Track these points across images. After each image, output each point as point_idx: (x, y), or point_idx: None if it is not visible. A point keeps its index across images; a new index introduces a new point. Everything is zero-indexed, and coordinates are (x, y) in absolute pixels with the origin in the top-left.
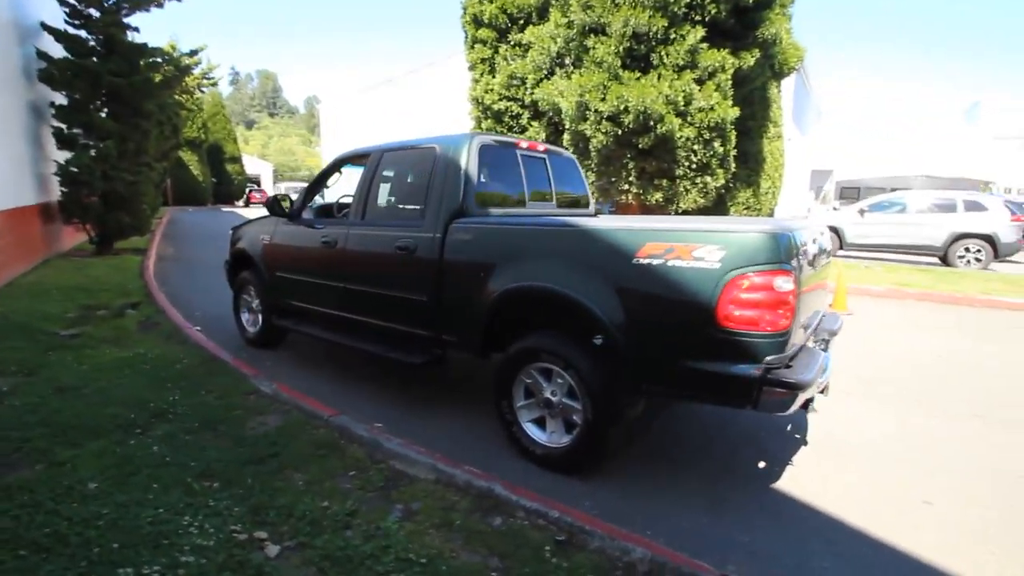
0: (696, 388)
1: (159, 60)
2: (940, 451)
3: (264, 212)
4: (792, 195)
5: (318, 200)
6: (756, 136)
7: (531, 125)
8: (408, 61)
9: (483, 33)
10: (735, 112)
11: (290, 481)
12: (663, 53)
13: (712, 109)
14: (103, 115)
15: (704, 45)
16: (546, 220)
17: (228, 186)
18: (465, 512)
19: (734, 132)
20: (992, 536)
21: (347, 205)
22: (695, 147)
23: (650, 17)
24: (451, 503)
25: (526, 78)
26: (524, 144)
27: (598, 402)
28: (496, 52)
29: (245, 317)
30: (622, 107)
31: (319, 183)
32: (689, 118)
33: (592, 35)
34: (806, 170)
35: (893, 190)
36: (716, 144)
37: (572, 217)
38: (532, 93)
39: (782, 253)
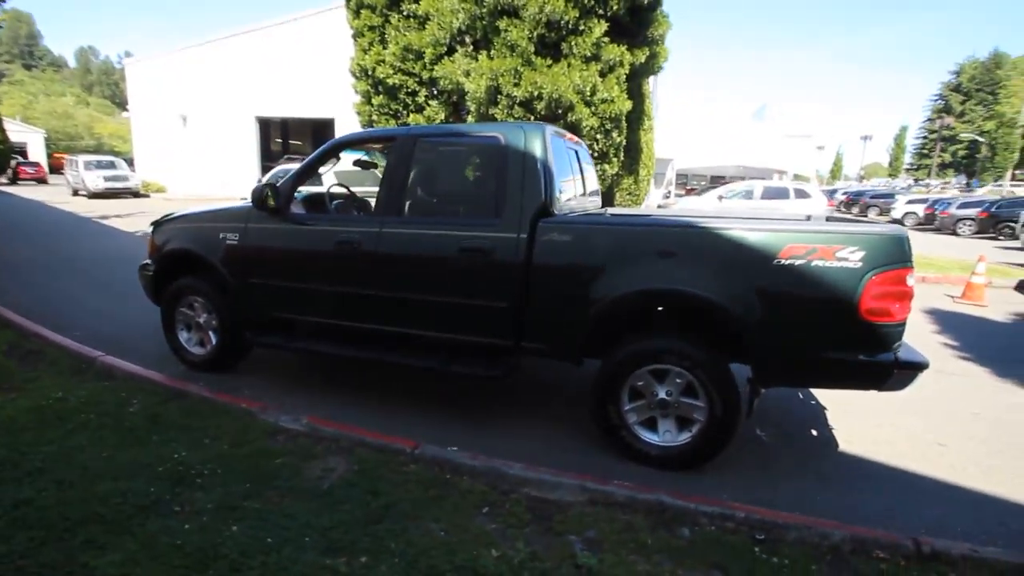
0: (834, 376)
1: None
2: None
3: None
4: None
5: (300, 191)
6: (636, 128)
7: (428, 104)
8: (220, 16)
9: None
10: (630, 105)
11: (430, 533)
12: (573, 43)
13: (613, 101)
14: None
15: (606, 39)
16: (668, 221)
17: None
18: (648, 530)
19: (626, 123)
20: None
21: (339, 197)
22: (598, 136)
23: (564, 5)
24: (626, 523)
25: (423, 52)
26: (567, 134)
27: (728, 398)
28: (387, 21)
29: (184, 336)
30: (536, 93)
31: (310, 171)
32: (593, 108)
33: (504, 17)
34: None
35: (716, 177)
36: (614, 134)
37: (676, 216)
38: (432, 69)
39: (907, 252)
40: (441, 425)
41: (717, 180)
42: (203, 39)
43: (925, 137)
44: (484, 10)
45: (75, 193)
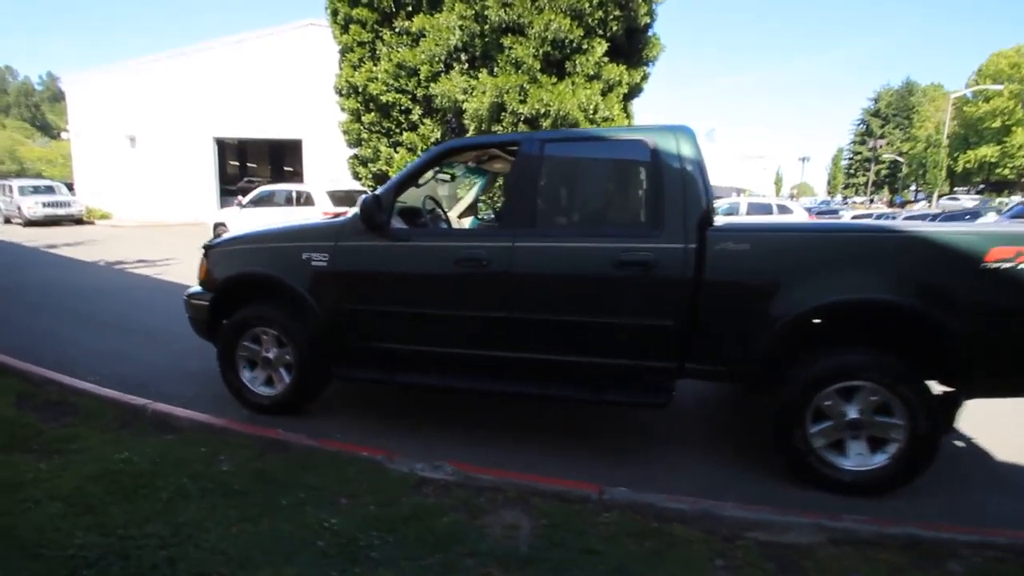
0: None
1: None
2: None
3: None
4: None
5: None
6: None
7: (424, 122)
8: (150, 38)
9: (361, 13)
10: (628, 123)
11: None
12: (577, 61)
13: (613, 119)
14: None
15: (605, 59)
16: (859, 227)
17: None
18: (914, 568)
19: None
20: None
21: (431, 210)
22: None
23: (570, 24)
24: (889, 564)
25: (418, 69)
26: None
27: (932, 415)
28: (378, 37)
29: (248, 375)
30: (542, 111)
31: (410, 181)
32: (595, 126)
33: (509, 34)
34: None
35: None
36: None
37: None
38: (427, 87)
39: None
40: (571, 460)
41: None
42: (151, 56)
43: (851, 158)
44: (487, 27)
45: (7, 221)
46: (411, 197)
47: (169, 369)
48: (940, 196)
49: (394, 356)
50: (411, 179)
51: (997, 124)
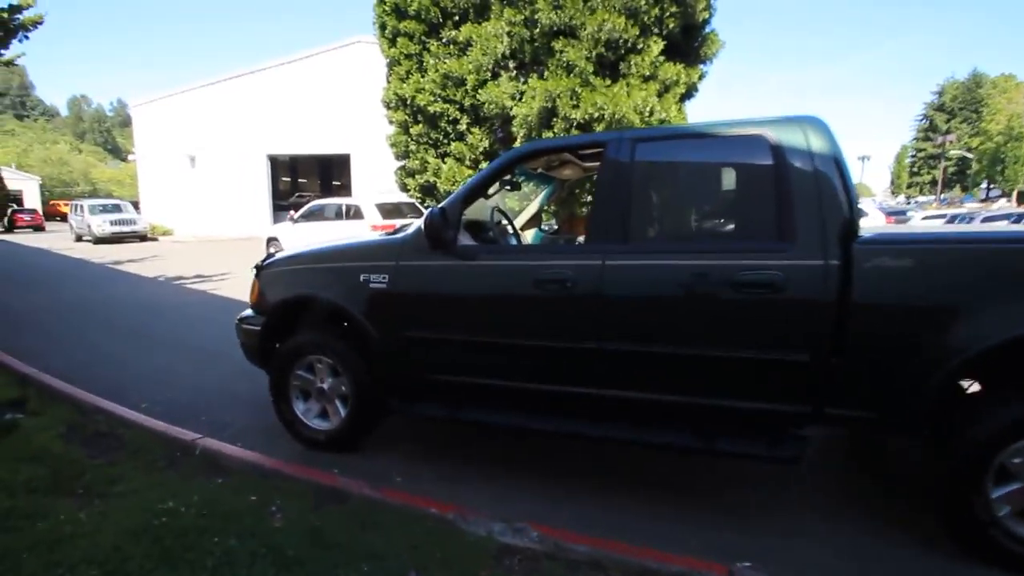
0: None
1: None
2: None
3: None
4: None
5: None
6: None
7: (471, 132)
8: (206, 66)
9: (409, 26)
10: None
11: None
12: (632, 62)
13: (671, 121)
14: None
15: (661, 58)
16: None
17: None
18: None
19: None
20: None
21: (498, 223)
22: None
23: (625, 23)
24: None
25: (465, 79)
26: None
27: None
28: (425, 49)
29: (301, 407)
30: (596, 115)
31: (480, 191)
32: None
33: (561, 37)
34: None
35: None
36: None
37: None
38: (475, 96)
39: None
40: (671, 518)
41: None
42: (208, 80)
43: (914, 156)
44: (537, 31)
45: (79, 239)
46: (474, 210)
47: (219, 393)
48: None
49: (460, 390)
50: (482, 188)
51: None
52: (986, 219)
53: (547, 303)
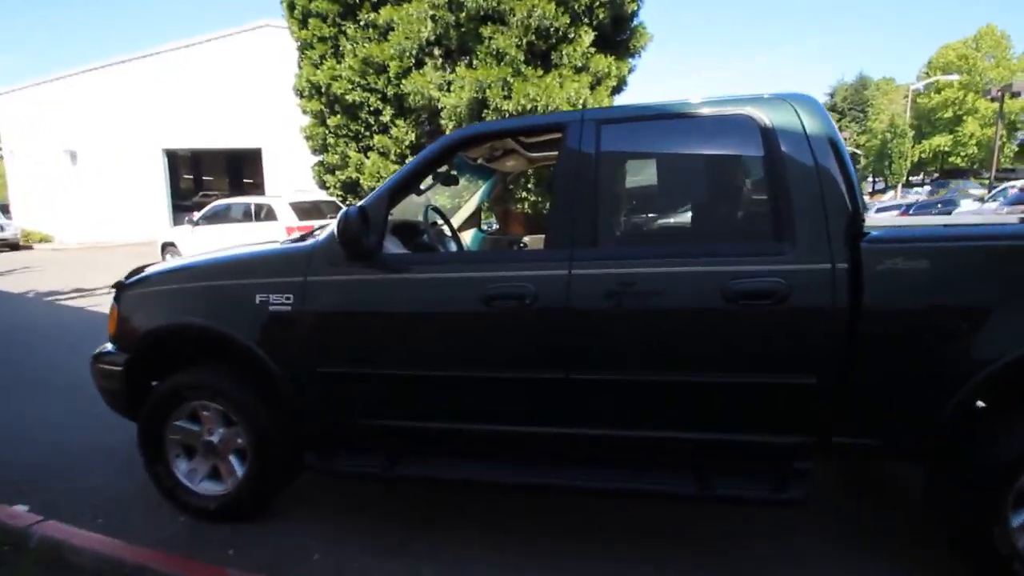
0: None
1: None
2: None
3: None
4: None
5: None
6: None
7: (396, 124)
8: (78, 51)
9: (321, 5)
10: None
11: None
12: (564, 52)
13: None
14: None
15: (592, 50)
16: None
17: None
18: None
19: None
20: None
21: (433, 224)
22: None
23: (555, 10)
24: None
25: (387, 65)
26: None
27: None
28: (341, 32)
29: (184, 467)
30: (529, 107)
31: (408, 186)
32: None
33: (489, 23)
34: None
35: None
36: None
37: None
38: (398, 84)
39: None
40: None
41: None
42: (91, 64)
43: None
44: (463, 16)
45: None
46: (404, 209)
47: (89, 447)
48: (903, 187)
49: (396, 436)
50: (412, 182)
51: (949, 114)
52: (879, 210)
53: (500, 325)
